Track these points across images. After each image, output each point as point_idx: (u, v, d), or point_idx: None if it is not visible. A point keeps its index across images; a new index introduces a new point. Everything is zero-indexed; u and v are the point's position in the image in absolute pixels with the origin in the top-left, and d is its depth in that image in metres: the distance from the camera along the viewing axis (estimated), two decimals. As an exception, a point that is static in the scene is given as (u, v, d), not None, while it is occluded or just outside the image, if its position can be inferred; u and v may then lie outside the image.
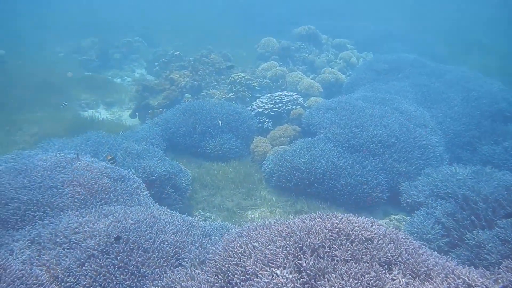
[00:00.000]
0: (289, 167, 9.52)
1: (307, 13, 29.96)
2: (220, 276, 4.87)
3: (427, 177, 9.29)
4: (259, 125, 12.04)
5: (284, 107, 12.19)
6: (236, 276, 4.75)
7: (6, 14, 31.04)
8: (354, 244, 4.93)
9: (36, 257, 5.23)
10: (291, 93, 12.86)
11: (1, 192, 6.56)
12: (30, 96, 14.54)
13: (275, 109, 12.13)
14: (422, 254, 5.04)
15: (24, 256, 5.20)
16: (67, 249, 5.35)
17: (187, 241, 5.87)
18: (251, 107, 12.72)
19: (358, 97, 11.96)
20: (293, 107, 12.24)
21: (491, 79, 14.37)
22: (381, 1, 36.41)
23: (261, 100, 12.63)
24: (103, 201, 6.81)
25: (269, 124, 12.03)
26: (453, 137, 11.76)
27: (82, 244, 5.33)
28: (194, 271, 5.17)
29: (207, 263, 5.23)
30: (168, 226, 6.11)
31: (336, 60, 16.93)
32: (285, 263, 4.72)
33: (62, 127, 11.97)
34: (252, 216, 8.95)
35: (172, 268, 5.34)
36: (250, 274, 4.71)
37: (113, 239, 5.35)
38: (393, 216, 9.16)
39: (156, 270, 5.21)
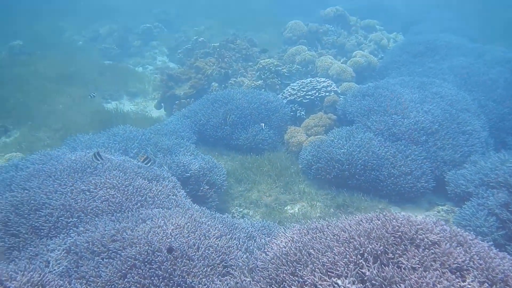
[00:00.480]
0: (328, 159, 9.10)
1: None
2: (275, 287, 4.51)
3: (475, 165, 8.80)
4: (292, 113, 11.60)
5: (317, 94, 11.71)
6: (293, 287, 4.38)
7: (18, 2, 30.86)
8: (420, 249, 4.51)
9: (74, 269, 4.92)
10: (323, 79, 12.37)
11: (31, 197, 6.28)
12: (51, 87, 14.26)
13: (307, 97, 11.67)
14: (495, 258, 4.59)
15: (61, 268, 4.90)
16: (106, 259, 5.03)
17: (232, 246, 5.50)
18: (282, 94, 12.27)
19: (395, 82, 11.41)
20: (327, 93, 11.76)
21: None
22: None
23: (292, 87, 12.16)
24: (139, 204, 6.47)
25: (302, 113, 11.58)
26: (497, 121, 11.17)
27: (122, 253, 5.00)
28: (245, 280, 4.82)
29: (258, 272, 4.86)
30: (211, 230, 5.75)
31: (366, 42, 16.31)
32: (347, 272, 4.34)
33: (86, 121, 11.67)
34: (292, 211, 8.58)
35: (220, 277, 4.98)
36: (309, 285, 4.34)
37: (165, 251, 4.98)
38: (440, 207, 8.71)
39: (203, 279, 4.85)
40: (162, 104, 13.71)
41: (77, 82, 15.08)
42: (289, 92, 12.05)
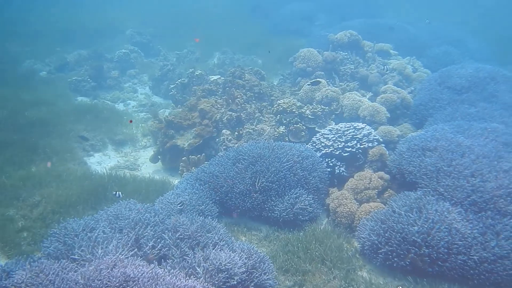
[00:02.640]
0: (400, 240, 7.53)
1: (323, 9, 27.97)
2: None
3: None
4: (329, 169, 9.98)
5: (358, 145, 10.15)
6: None
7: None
8: None
9: None
10: (362, 124, 10.82)
11: None
12: (16, 141, 11.89)
13: (347, 149, 10.10)
14: None
15: None
16: None
17: None
18: (313, 145, 10.65)
19: (452, 129, 9.93)
20: (369, 144, 10.22)
21: None
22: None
23: (325, 136, 10.58)
24: None
25: (342, 169, 9.99)
26: None
27: None
28: None
29: None
30: None
31: (387, 72, 14.89)
32: None
33: (72, 191, 9.55)
34: (364, 316, 6.91)
35: None
36: None
37: None
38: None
39: None
40: (159, 157, 11.87)
41: (49, 129, 12.86)
42: (322, 142, 10.45)
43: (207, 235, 7.42)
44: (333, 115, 12.36)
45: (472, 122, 10.40)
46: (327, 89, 12.80)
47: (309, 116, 11.74)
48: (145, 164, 12.35)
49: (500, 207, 7.94)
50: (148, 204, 8.32)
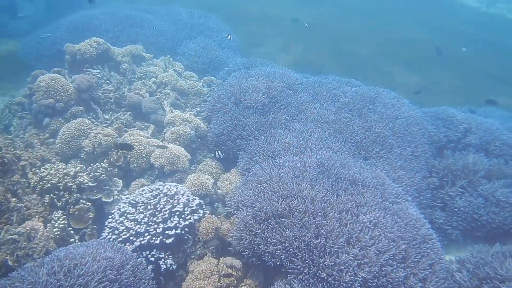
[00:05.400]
0: None
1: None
2: None
3: None
4: (151, 267, 7.65)
5: (182, 222, 8.02)
6: None
7: None
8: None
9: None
10: (172, 187, 8.63)
11: None
12: None
13: (170, 232, 7.86)
14: None
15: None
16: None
17: None
18: (114, 234, 8.05)
19: (285, 173, 8.46)
20: (194, 216, 8.18)
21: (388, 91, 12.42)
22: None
23: (130, 217, 8.11)
24: None
25: (169, 261, 7.77)
26: (417, 195, 9.64)
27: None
28: None
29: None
30: None
31: (156, 88, 12.77)
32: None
33: None
34: None
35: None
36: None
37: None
38: None
39: None
40: None
41: None
42: (129, 228, 7.96)
43: None
44: (116, 169, 9.84)
45: (301, 155, 9.22)
46: (97, 134, 10.10)
47: (90, 183, 9.01)
48: None
49: (392, 277, 6.96)
50: None
